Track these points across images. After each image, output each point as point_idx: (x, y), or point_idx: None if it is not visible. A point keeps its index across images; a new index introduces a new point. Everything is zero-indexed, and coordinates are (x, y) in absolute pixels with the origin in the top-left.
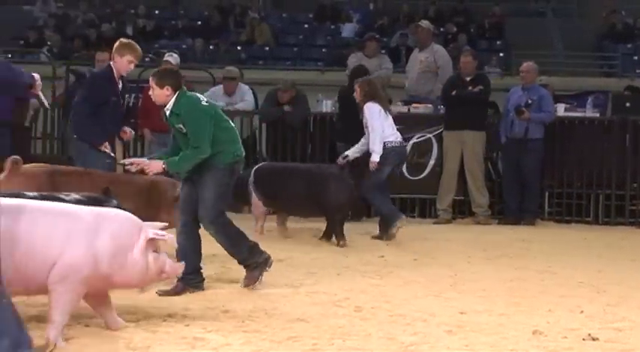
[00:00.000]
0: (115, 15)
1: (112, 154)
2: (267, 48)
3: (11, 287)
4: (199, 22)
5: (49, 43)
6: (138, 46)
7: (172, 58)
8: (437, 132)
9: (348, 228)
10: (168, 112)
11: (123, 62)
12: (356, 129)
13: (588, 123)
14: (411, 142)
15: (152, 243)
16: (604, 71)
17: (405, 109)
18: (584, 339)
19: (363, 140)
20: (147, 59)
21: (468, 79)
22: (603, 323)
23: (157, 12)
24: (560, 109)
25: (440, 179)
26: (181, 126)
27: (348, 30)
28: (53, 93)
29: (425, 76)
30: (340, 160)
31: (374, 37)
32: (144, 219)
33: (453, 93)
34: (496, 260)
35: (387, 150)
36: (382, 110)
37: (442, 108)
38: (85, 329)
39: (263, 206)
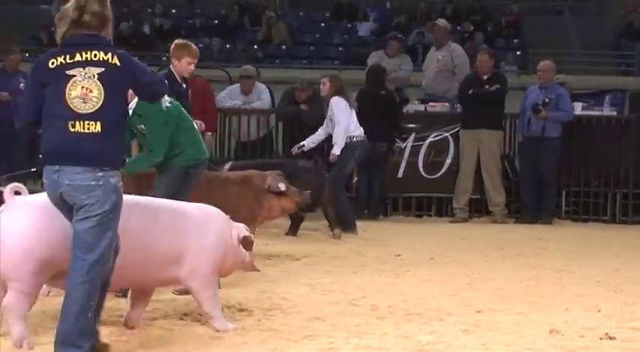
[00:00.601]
0: (132, 14)
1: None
2: (283, 46)
3: (128, 281)
4: (216, 21)
5: None
6: (194, 46)
7: None
8: (454, 131)
9: (364, 226)
10: (130, 112)
11: (182, 65)
12: (376, 127)
13: (606, 122)
14: (428, 141)
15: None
16: (621, 70)
17: (421, 108)
18: (601, 338)
19: (320, 130)
20: (163, 58)
21: (485, 77)
22: (620, 323)
23: (174, 11)
24: (578, 108)
25: (456, 178)
26: (142, 126)
27: (364, 29)
28: None
29: (442, 74)
30: (295, 150)
31: (396, 36)
32: (234, 211)
33: (470, 92)
34: (513, 259)
35: (353, 144)
36: (348, 105)
37: (459, 107)
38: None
39: None
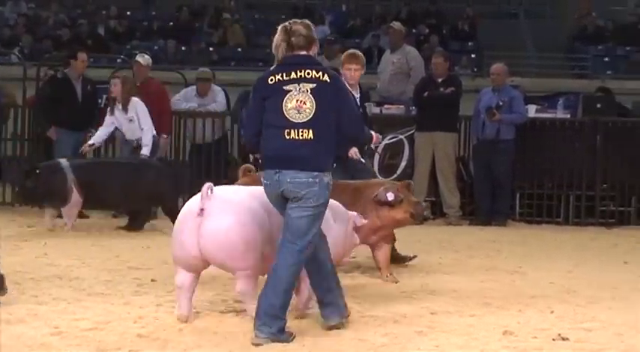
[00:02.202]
0: (87, 16)
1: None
2: (239, 49)
3: None
4: (171, 23)
5: (20, 43)
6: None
7: (143, 58)
8: (409, 134)
9: None
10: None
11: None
12: None
13: (559, 125)
14: (383, 143)
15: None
16: (575, 73)
17: (377, 110)
18: (554, 339)
19: (104, 129)
20: (118, 61)
21: (440, 80)
22: (573, 324)
23: (128, 13)
24: (532, 110)
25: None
26: None
27: (320, 31)
28: (24, 94)
29: (397, 77)
30: (86, 148)
31: (332, 40)
32: None
33: (425, 94)
34: (467, 261)
35: (154, 143)
36: None
37: (414, 110)
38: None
39: (81, 202)
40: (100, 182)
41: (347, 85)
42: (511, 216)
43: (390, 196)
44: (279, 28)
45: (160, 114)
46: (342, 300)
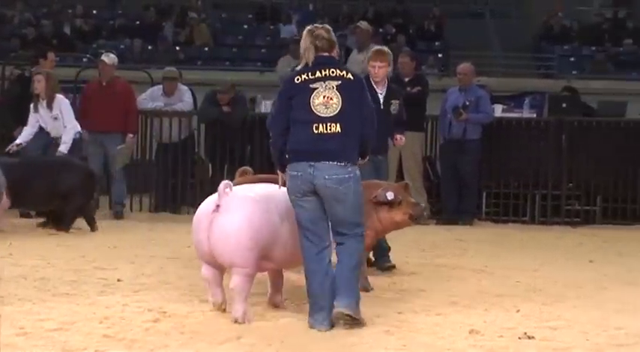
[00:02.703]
0: (53, 15)
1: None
2: (206, 48)
3: None
4: (137, 22)
5: None
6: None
7: (108, 57)
8: None
9: None
10: None
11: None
12: None
13: (525, 124)
14: None
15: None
16: (541, 72)
17: None
18: (520, 338)
19: (29, 128)
20: (84, 59)
21: (407, 79)
22: (539, 322)
23: (94, 12)
24: (498, 110)
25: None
26: None
27: (287, 31)
28: None
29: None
30: (13, 148)
31: (297, 40)
32: None
33: None
34: (433, 260)
35: (76, 141)
36: None
37: None
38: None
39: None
40: (23, 181)
41: (372, 82)
42: (477, 215)
43: (390, 196)
44: (305, 32)
45: (127, 114)
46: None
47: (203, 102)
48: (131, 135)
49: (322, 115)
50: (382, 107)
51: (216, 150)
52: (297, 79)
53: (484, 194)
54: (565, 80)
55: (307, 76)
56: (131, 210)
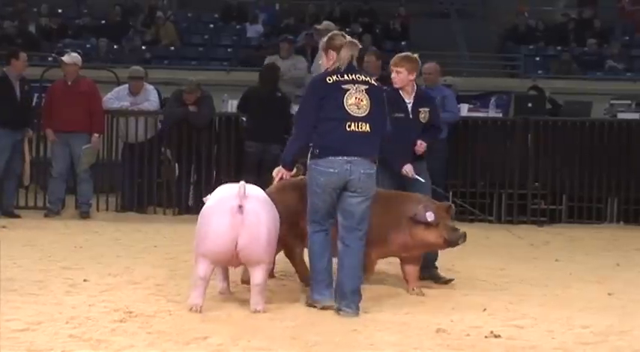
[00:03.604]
0: (18, 13)
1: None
2: (172, 47)
3: None
4: (103, 22)
5: None
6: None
7: (69, 56)
8: None
9: None
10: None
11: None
12: (266, 128)
13: (491, 124)
14: None
15: None
16: (507, 72)
17: None
18: (486, 337)
19: None
20: (50, 59)
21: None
22: (505, 321)
23: (60, 11)
24: (464, 109)
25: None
26: None
27: (253, 30)
28: None
29: None
30: None
31: (287, 38)
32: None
33: None
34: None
35: None
36: None
37: None
38: None
39: None
40: None
41: (400, 90)
42: None
43: (430, 217)
44: (348, 42)
45: (92, 113)
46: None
47: (169, 101)
48: (97, 135)
49: (354, 114)
50: (411, 116)
51: (183, 149)
52: (329, 80)
53: (450, 193)
54: (530, 80)
55: (337, 77)
56: (97, 210)
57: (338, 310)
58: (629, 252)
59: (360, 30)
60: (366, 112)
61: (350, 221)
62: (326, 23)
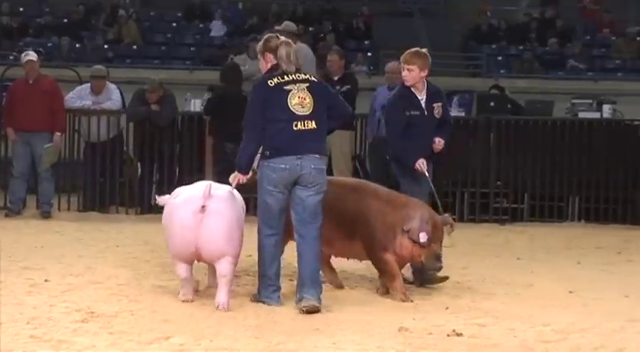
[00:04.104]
0: None
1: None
2: (134, 46)
3: None
4: (65, 20)
5: None
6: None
7: (28, 56)
8: None
9: None
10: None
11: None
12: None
13: (454, 123)
14: None
15: None
16: (469, 71)
17: None
18: (448, 335)
19: None
20: (11, 58)
21: (336, 78)
22: (467, 319)
23: (21, 9)
24: None
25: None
26: None
27: (216, 29)
28: None
29: None
30: None
31: (256, 38)
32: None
33: None
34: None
35: None
36: None
37: None
38: None
39: None
40: None
41: (411, 87)
42: None
43: (423, 238)
44: (284, 43)
45: (54, 112)
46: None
47: (131, 100)
48: (59, 134)
49: (300, 114)
50: (425, 112)
51: (145, 148)
52: (271, 82)
53: None
54: (493, 79)
55: (279, 79)
56: (59, 209)
57: (299, 300)
58: (589, 251)
59: (324, 29)
60: (311, 110)
61: (302, 215)
62: (285, 23)
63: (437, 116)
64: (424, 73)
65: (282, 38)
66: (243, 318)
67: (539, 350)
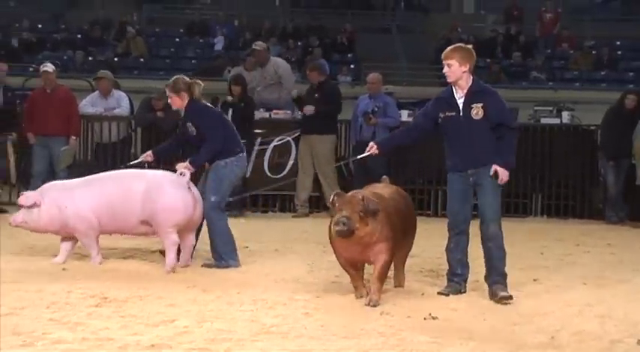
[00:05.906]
0: (1, 28)
1: None
2: (141, 59)
3: None
4: (79, 36)
5: None
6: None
7: (46, 67)
8: (295, 136)
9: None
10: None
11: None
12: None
13: None
14: (272, 145)
15: None
16: (442, 81)
17: (266, 115)
18: (425, 318)
19: None
20: (30, 69)
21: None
22: (442, 304)
23: (40, 26)
24: (404, 115)
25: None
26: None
27: (220, 43)
28: None
29: (271, 87)
30: None
31: (250, 51)
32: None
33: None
34: None
35: None
36: None
37: (299, 114)
38: None
39: None
40: None
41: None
42: None
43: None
44: (192, 83)
45: (69, 118)
46: None
47: (139, 108)
48: (74, 138)
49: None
50: (461, 113)
51: None
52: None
53: None
54: None
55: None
56: None
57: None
58: (551, 242)
59: (311, 44)
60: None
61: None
62: (259, 43)
63: (475, 117)
64: (465, 68)
65: (187, 79)
66: (240, 303)
67: (506, 332)
